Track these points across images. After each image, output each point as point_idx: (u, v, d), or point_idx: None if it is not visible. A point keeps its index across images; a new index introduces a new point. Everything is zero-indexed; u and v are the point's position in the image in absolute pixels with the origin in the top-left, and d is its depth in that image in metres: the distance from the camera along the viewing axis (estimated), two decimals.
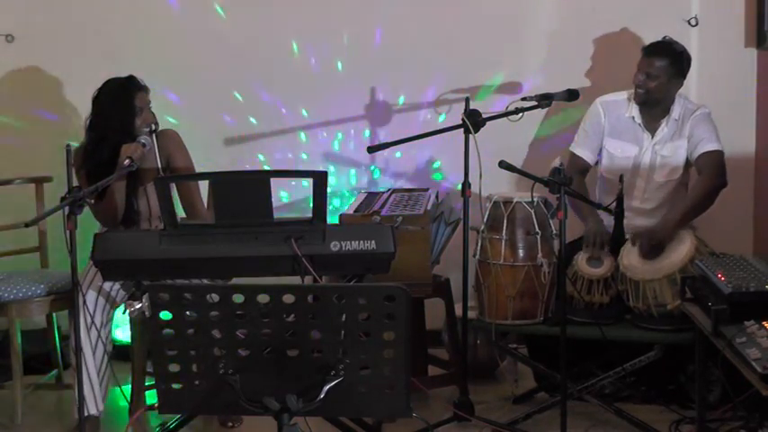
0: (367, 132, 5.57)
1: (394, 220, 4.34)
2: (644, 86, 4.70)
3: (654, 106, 4.78)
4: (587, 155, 4.90)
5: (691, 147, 4.74)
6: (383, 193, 5.09)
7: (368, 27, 5.53)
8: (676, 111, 4.76)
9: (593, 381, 4.49)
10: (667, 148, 4.79)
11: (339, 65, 5.55)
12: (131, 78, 4.55)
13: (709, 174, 4.64)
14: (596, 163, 4.94)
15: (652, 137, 4.81)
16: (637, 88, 4.74)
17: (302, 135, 5.61)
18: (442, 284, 4.87)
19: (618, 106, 4.85)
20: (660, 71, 4.67)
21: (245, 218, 3.84)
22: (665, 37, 4.77)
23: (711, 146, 4.69)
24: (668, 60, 4.67)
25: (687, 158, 4.79)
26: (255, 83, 5.58)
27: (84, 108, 4.56)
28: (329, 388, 2.89)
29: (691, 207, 4.57)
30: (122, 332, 5.22)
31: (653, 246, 4.39)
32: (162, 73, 5.37)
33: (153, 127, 4.56)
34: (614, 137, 4.86)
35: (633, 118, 4.81)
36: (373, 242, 3.84)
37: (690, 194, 4.67)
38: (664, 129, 4.78)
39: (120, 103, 4.49)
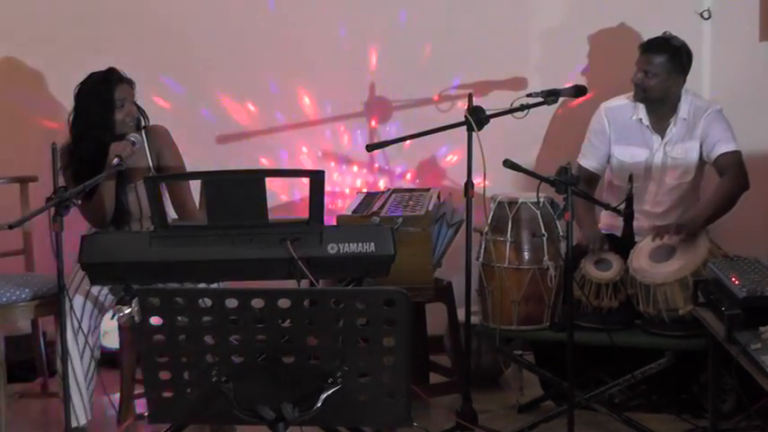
0: (366, 130, 5.58)
1: (394, 221, 4.33)
2: (643, 84, 4.68)
3: (659, 105, 4.75)
4: (594, 166, 4.91)
5: (707, 148, 4.72)
6: (383, 193, 5.08)
7: (369, 24, 5.53)
8: (684, 109, 4.73)
9: (602, 389, 4.45)
10: (678, 150, 4.77)
11: (339, 61, 5.54)
12: (111, 71, 4.50)
13: (733, 175, 4.64)
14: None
15: (662, 138, 4.79)
16: (636, 86, 4.72)
17: (300, 133, 5.61)
18: (444, 288, 4.84)
19: (623, 111, 4.83)
20: (659, 68, 4.65)
21: (239, 219, 3.79)
22: (664, 32, 4.74)
23: (729, 146, 4.68)
24: (667, 56, 4.65)
25: (700, 159, 4.78)
26: (252, 79, 5.58)
27: (70, 104, 4.57)
28: (326, 396, 2.88)
29: (717, 207, 4.56)
30: (110, 339, 5.15)
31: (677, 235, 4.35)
32: (151, 67, 5.39)
33: (143, 122, 4.54)
34: (622, 143, 4.84)
35: (641, 120, 4.79)
36: (372, 244, 3.79)
37: (715, 195, 4.63)
38: (672, 129, 4.76)
39: (98, 97, 4.44)
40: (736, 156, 4.66)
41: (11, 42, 5.51)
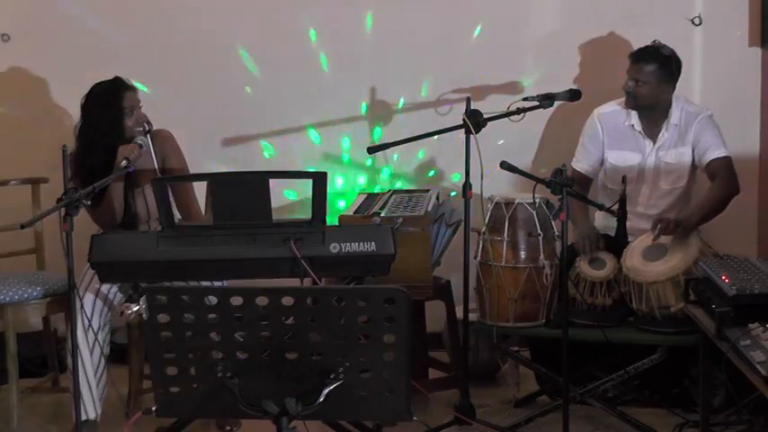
0: (367, 132, 5.56)
1: (394, 221, 4.32)
2: (633, 92, 4.70)
3: (650, 111, 4.77)
4: (587, 169, 4.91)
5: (698, 153, 4.74)
6: (383, 194, 5.06)
7: (368, 26, 5.52)
8: (675, 115, 4.75)
9: (596, 384, 4.47)
10: (671, 155, 4.79)
11: (339, 64, 5.54)
12: (117, 79, 4.49)
13: (725, 180, 4.65)
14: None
15: (654, 143, 4.80)
16: (627, 94, 4.73)
17: (302, 135, 5.60)
18: (443, 286, 4.86)
19: (615, 116, 4.85)
20: (649, 76, 4.66)
21: (244, 219, 3.82)
22: (654, 41, 4.75)
23: (720, 152, 4.69)
24: (656, 65, 4.66)
25: (693, 165, 4.79)
26: (255, 83, 5.57)
27: (75, 110, 4.53)
28: (329, 391, 2.88)
29: (709, 210, 4.56)
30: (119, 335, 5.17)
31: (671, 232, 4.36)
32: (158, 73, 5.39)
33: (147, 127, 4.51)
34: (615, 148, 4.86)
35: (633, 126, 4.80)
36: (373, 244, 3.82)
37: (707, 198, 4.63)
38: (664, 134, 4.78)
39: (108, 106, 4.43)
40: (726, 161, 4.67)
41: (18, 51, 5.52)
